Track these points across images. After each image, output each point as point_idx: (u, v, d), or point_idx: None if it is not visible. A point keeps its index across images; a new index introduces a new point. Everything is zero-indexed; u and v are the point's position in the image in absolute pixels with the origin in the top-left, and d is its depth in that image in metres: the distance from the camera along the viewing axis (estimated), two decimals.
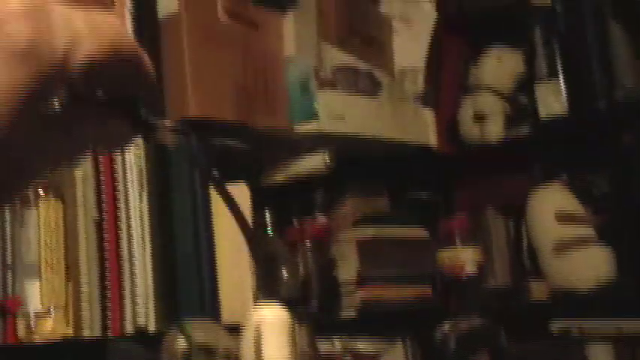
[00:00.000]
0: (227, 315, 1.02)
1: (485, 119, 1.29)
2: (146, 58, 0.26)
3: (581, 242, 1.16)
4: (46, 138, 0.24)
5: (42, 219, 0.92)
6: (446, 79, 1.37)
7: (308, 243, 1.20)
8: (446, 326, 1.24)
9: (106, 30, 0.24)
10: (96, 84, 0.26)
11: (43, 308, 0.91)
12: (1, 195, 0.23)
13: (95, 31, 0.23)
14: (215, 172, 0.32)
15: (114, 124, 0.27)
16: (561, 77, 1.19)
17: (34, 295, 0.91)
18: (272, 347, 0.75)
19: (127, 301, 0.96)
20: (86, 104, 0.26)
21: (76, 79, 0.23)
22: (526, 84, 1.26)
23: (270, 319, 0.67)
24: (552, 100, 1.18)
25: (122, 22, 0.27)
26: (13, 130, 0.21)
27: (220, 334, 0.91)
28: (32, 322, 0.90)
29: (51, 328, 0.91)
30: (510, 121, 1.28)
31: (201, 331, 0.89)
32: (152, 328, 0.97)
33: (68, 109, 0.26)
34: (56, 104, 0.25)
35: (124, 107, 0.27)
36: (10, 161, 0.22)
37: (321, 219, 1.24)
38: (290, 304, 1.08)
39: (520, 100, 1.28)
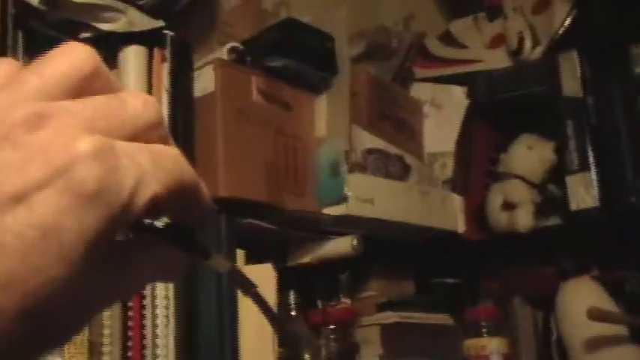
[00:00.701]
0: None
1: (515, 208, 1.28)
2: (204, 188, 0.26)
3: (613, 341, 1.13)
4: (107, 277, 0.24)
5: None
6: (475, 165, 1.37)
7: (331, 326, 1.19)
8: None
9: (168, 164, 0.23)
10: (156, 217, 0.26)
11: None
12: (63, 336, 0.23)
13: (159, 167, 0.23)
14: (243, 276, 0.32)
15: (171, 255, 0.26)
16: (593, 170, 1.18)
17: None
18: None
19: None
20: (144, 237, 0.26)
21: (140, 216, 0.23)
22: (557, 175, 1.25)
23: None
24: (583, 192, 1.18)
25: (181, 154, 0.27)
26: (80, 275, 0.21)
27: None
28: None
29: None
30: (540, 211, 1.27)
31: None
32: None
33: (128, 245, 0.26)
34: (117, 242, 0.25)
35: (180, 237, 0.27)
36: (74, 305, 0.22)
37: (346, 302, 1.23)
38: None
39: (550, 190, 1.27)
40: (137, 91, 0.24)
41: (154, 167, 0.23)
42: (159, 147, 0.24)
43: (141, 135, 0.23)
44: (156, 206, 0.23)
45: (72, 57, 0.23)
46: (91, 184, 0.21)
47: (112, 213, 0.21)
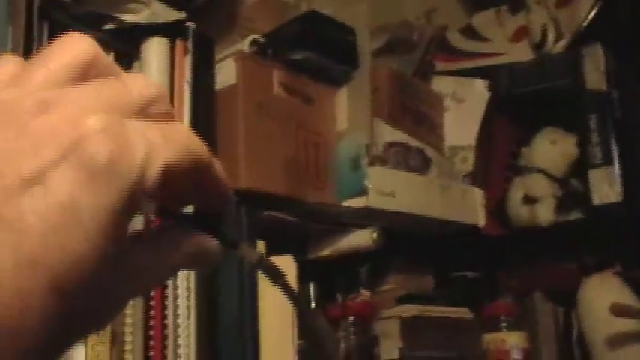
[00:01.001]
0: None
1: (536, 202, 1.27)
2: (219, 165, 0.26)
3: (636, 337, 1.12)
4: (136, 261, 0.24)
5: None
6: (496, 159, 1.36)
7: (351, 319, 1.19)
8: None
9: (178, 137, 0.24)
10: (174, 196, 0.26)
11: None
12: (93, 322, 0.23)
13: (168, 140, 0.23)
14: (261, 254, 0.32)
15: (201, 243, 0.26)
16: (616, 165, 1.17)
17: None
18: None
19: None
20: (172, 224, 0.26)
21: (155, 191, 0.23)
22: (579, 169, 1.24)
23: None
24: (606, 187, 1.16)
25: (191, 130, 0.27)
26: (103, 253, 0.22)
27: None
28: None
29: None
30: (561, 206, 1.26)
31: None
32: None
33: (156, 230, 0.26)
34: (144, 226, 0.25)
35: (208, 225, 0.27)
36: (101, 287, 0.22)
37: (365, 295, 1.23)
38: None
39: (572, 184, 1.26)
40: (137, 74, 0.25)
41: (163, 140, 0.23)
42: (167, 123, 0.24)
43: (146, 113, 0.24)
44: (168, 180, 0.23)
45: (73, 47, 0.24)
46: (102, 158, 0.21)
47: (126, 186, 0.22)
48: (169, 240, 0.26)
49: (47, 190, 0.21)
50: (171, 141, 0.23)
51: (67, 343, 0.23)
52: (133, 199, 0.22)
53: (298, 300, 0.31)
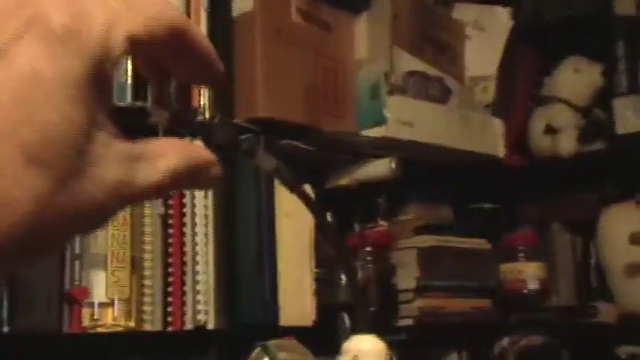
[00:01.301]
0: (285, 316, 1.02)
1: (558, 132, 1.26)
2: (198, 31, 0.26)
3: None
4: (121, 152, 0.23)
5: None
6: (518, 88, 1.34)
7: (368, 248, 1.19)
8: (504, 341, 1.22)
9: (145, 6, 0.24)
10: (162, 73, 0.25)
11: (107, 299, 0.92)
12: (90, 216, 0.22)
13: (133, 9, 0.23)
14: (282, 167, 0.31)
15: (199, 152, 0.25)
16: None
17: (100, 285, 0.92)
18: None
19: (189, 297, 0.97)
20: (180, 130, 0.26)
21: (120, 58, 0.23)
22: (603, 98, 1.22)
23: (368, 351, 0.64)
24: (631, 116, 1.14)
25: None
26: (73, 123, 0.21)
27: (304, 355, 0.91)
28: (96, 313, 0.91)
29: (114, 319, 0.92)
30: (584, 136, 1.24)
31: (284, 352, 0.89)
32: (211, 325, 0.97)
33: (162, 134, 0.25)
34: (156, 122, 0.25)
35: (224, 133, 0.27)
36: (85, 166, 0.22)
37: (383, 225, 1.23)
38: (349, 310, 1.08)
39: (596, 114, 1.24)
40: None
41: (127, 10, 0.23)
42: None
43: None
44: (149, 53, 0.23)
45: None
46: (58, 29, 0.21)
47: (88, 55, 0.22)
48: (170, 145, 0.25)
49: (9, 63, 0.21)
50: (137, 10, 0.23)
51: (60, 233, 0.22)
52: (98, 69, 0.22)
53: (315, 207, 0.31)
